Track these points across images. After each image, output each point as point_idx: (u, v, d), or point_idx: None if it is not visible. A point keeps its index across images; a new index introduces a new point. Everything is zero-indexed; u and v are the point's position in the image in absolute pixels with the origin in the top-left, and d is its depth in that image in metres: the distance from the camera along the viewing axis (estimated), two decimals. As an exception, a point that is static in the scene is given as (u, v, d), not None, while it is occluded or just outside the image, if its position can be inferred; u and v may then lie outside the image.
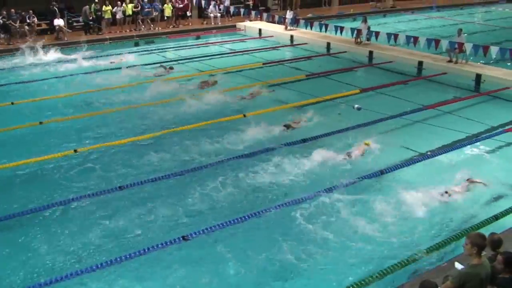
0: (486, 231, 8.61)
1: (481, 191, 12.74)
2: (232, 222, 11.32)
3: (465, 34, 24.23)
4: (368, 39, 28.41)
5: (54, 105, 18.99)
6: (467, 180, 12.87)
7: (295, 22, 30.85)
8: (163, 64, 24.77)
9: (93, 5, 30.37)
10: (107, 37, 30.04)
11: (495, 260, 7.39)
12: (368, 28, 28.03)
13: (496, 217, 11.29)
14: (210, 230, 11.00)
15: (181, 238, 10.68)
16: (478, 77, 22.42)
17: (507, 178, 13.42)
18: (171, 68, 24.10)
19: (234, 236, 11.01)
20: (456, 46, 23.46)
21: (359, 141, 15.15)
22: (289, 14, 32.28)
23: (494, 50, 22.10)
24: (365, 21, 28.53)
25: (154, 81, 21.73)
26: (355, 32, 27.83)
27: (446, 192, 12.38)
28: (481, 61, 24.31)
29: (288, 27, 31.99)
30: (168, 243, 10.53)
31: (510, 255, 7.11)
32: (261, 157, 14.56)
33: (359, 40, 28.35)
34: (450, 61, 24.12)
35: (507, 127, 16.85)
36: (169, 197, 12.53)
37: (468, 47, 22.79)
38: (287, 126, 16.75)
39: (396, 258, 9.91)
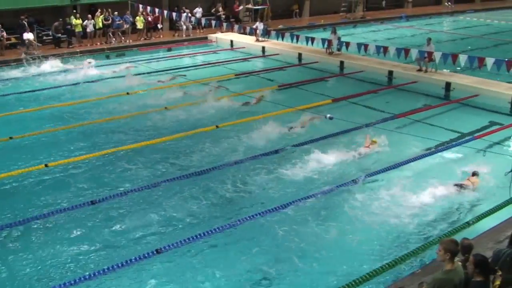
0: (458, 237, 8.71)
1: (452, 198, 12.90)
2: (206, 234, 11.28)
3: (433, 44, 24.51)
4: (339, 49, 28.63)
5: (24, 119, 18.78)
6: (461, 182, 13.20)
7: (266, 33, 30.99)
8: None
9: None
10: (78, 50, 29.77)
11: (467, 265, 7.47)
12: (339, 38, 28.24)
13: (468, 223, 11.45)
14: (184, 243, 10.93)
15: (154, 252, 10.60)
16: (448, 85, 22.76)
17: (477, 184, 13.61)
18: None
19: (210, 248, 10.97)
20: (426, 55, 23.78)
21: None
22: (259, 25, 32.48)
23: (462, 59, 22.44)
24: (334, 31, 28.72)
25: (127, 94, 21.67)
26: (326, 42, 28.04)
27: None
28: (450, 70, 24.64)
29: (260, 38, 32.10)
30: (141, 257, 10.43)
31: (480, 257, 7.18)
32: (233, 169, 14.61)
33: (330, 50, 28.57)
34: (420, 70, 24.43)
35: (476, 134, 17.11)
36: (141, 211, 12.43)
37: (437, 55, 23.10)
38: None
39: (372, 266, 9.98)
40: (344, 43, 27.18)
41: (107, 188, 13.53)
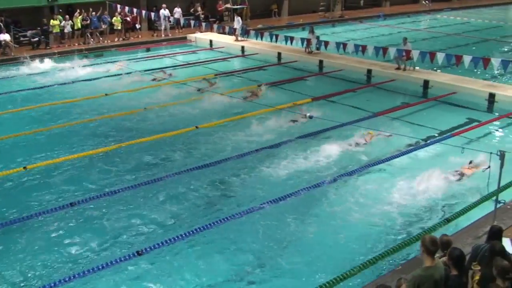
0: (438, 233, 8.83)
1: (432, 195, 13.03)
2: (187, 234, 11.26)
3: (412, 42, 24.73)
4: (318, 48, 28.72)
5: (1, 122, 18.58)
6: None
7: (245, 33, 30.99)
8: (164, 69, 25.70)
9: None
10: (56, 51, 29.49)
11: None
12: (317, 37, 28.35)
13: (447, 220, 11.58)
14: (165, 244, 10.90)
15: (135, 253, 10.55)
16: (426, 83, 22.97)
17: (455, 181, 13.77)
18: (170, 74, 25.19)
19: (192, 248, 10.95)
20: (404, 53, 23.96)
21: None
22: (237, 22, 32.50)
23: (440, 57, 22.65)
24: (312, 31, 28.81)
25: (104, 95, 21.56)
26: (305, 42, 28.11)
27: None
28: (428, 68, 24.86)
29: (239, 38, 32.06)
30: (122, 259, 10.38)
31: (455, 252, 7.28)
32: (215, 168, 14.62)
33: (309, 50, 28.65)
34: (398, 68, 24.62)
35: (454, 131, 17.29)
36: (122, 212, 12.37)
37: (415, 54, 23.29)
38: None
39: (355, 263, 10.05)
40: (323, 42, 27.27)
41: (87, 190, 13.42)
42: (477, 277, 7.39)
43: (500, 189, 11.00)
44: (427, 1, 50.96)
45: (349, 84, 23.85)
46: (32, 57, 27.41)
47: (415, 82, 23.30)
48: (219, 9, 38.31)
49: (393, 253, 10.43)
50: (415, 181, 13.41)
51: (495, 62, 20.49)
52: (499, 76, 24.44)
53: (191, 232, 11.32)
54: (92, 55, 30.09)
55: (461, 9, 51.07)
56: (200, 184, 13.74)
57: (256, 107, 19.25)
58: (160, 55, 30.36)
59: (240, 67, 27.51)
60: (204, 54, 30.89)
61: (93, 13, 31.26)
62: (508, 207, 11.61)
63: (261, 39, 29.98)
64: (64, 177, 14.18)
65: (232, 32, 31.84)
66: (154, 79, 24.07)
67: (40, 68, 26.16)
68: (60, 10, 31.48)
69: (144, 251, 10.61)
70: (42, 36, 30.28)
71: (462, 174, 13.77)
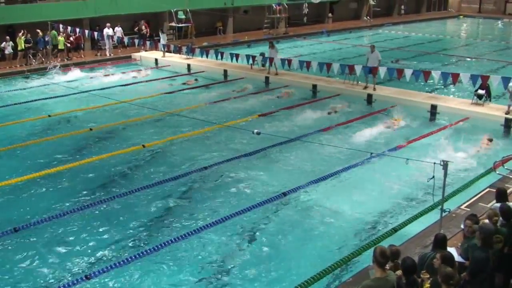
0: (385, 243, 8.96)
1: (379, 206, 13.25)
2: (137, 256, 11.06)
3: (355, 57, 25.15)
4: (263, 65, 28.89)
5: None
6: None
7: (190, 51, 30.84)
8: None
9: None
10: (-4, 73, 28.74)
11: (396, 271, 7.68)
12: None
13: (394, 229, 11.77)
14: (114, 267, 10.69)
15: (84, 278, 10.29)
16: (370, 96, 23.40)
17: (401, 192, 14.05)
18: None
19: (142, 270, 10.77)
20: (347, 69, 24.10)
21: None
22: (162, 37, 33.12)
23: (382, 71, 23.11)
24: (272, 45, 28.21)
25: (49, 117, 21.16)
26: (265, 60, 28.00)
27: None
28: (370, 82, 25.29)
29: (186, 56, 31.89)
30: (70, 283, 10.11)
31: (406, 259, 7.46)
32: (158, 188, 14.53)
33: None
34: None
35: (398, 144, 17.64)
36: (69, 234, 12.11)
37: (358, 69, 23.61)
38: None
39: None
40: (268, 59, 27.43)
41: (31, 214, 13.03)
42: (427, 285, 7.51)
43: (445, 198, 11.24)
44: (368, 17, 52.14)
45: (295, 100, 24.06)
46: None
47: (359, 96, 23.72)
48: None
49: (341, 265, 10.52)
50: (361, 193, 13.61)
51: (436, 74, 21.02)
52: (439, 88, 25.16)
53: (141, 254, 11.15)
54: (35, 76, 29.32)
55: (402, 24, 52.51)
56: (147, 204, 13.59)
57: (203, 125, 19.14)
58: (104, 75, 29.80)
59: (186, 86, 27.33)
60: (150, 73, 30.54)
61: (39, 33, 30.61)
62: (453, 215, 11.88)
63: (207, 56, 29.94)
64: (6, 201, 13.78)
65: (177, 50, 31.51)
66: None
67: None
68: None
69: (92, 275, 10.38)
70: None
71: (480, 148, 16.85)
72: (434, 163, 9.84)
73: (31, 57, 30.81)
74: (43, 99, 24.05)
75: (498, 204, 9.56)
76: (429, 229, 11.29)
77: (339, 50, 38.05)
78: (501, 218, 9.00)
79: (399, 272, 7.60)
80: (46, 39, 31.14)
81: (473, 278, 7.85)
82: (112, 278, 10.44)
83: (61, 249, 11.54)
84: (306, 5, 45.05)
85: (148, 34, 36.17)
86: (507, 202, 9.64)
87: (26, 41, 30.33)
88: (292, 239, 11.94)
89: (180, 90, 25.99)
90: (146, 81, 28.09)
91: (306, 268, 10.55)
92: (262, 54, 29.22)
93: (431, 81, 22.75)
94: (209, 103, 23.20)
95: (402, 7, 58.47)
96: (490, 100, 21.55)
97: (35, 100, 23.83)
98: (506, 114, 19.93)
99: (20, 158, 16.95)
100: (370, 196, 13.76)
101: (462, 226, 9.53)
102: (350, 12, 54.59)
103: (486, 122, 19.95)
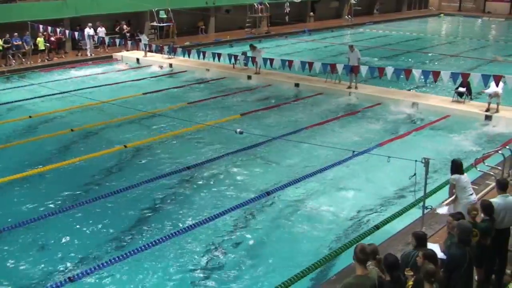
0: (367, 241, 9.02)
1: (360, 204, 13.33)
2: (120, 257, 11.02)
3: (335, 56, 25.25)
4: (245, 64, 28.90)
5: None
6: None
7: (172, 50, 30.72)
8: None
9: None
10: (-26, 74, 28.40)
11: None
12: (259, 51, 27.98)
13: (376, 227, 11.86)
14: (98, 268, 10.63)
15: (67, 280, 10.23)
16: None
17: (383, 190, 14.18)
18: None
19: (126, 272, 10.72)
20: (329, 68, 24.15)
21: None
22: (142, 38, 33.11)
23: (363, 69, 23.20)
24: (253, 48, 28.18)
25: (30, 118, 20.93)
26: (247, 59, 28.01)
27: None
28: (354, 81, 25.41)
29: (168, 56, 31.76)
30: (54, 286, 10.04)
31: (388, 256, 7.50)
32: (143, 188, 14.48)
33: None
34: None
35: (380, 141, 17.75)
36: (50, 237, 12.02)
37: (339, 68, 23.68)
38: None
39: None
40: (250, 58, 27.44)
41: (12, 216, 12.88)
42: (410, 283, 7.56)
43: (427, 195, 11.35)
44: (349, 16, 52.32)
45: (278, 99, 24.08)
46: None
47: (342, 95, 23.82)
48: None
49: (324, 263, 10.57)
50: (343, 191, 13.69)
51: (416, 73, 21.14)
52: (420, 86, 25.36)
53: (124, 256, 11.10)
54: (15, 77, 29.02)
55: (383, 23, 52.75)
56: (131, 205, 13.54)
57: (186, 125, 19.08)
58: (86, 75, 29.54)
59: (169, 85, 27.23)
60: (131, 72, 30.41)
61: (15, 34, 30.29)
62: (435, 212, 11.98)
63: (189, 56, 29.85)
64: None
65: (159, 49, 31.34)
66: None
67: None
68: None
69: (76, 277, 10.33)
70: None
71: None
72: (416, 160, 9.92)
73: (11, 57, 30.50)
74: (24, 100, 23.80)
75: (496, 199, 9.39)
76: (411, 226, 11.36)
77: (322, 49, 38.13)
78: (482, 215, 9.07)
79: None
80: (26, 39, 30.83)
81: (450, 274, 7.95)
82: (96, 280, 10.38)
83: (44, 251, 11.46)
84: (288, 4, 45.11)
85: (129, 33, 35.98)
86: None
87: (5, 42, 30.03)
88: (276, 238, 11.99)
89: (160, 90, 25.83)
90: (128, 80, 27.91)
91: (289, 268, 10.55)
92: (244, 53, 29.22)
93: (412, 80, 22.87)
94: (191, 103, 23.15)
95: (376, 6, 58.50)
96: (470, 98, 21.77)
97: (16, 101, 23.56)
98: (486, 111, 20.16)
99: (1, 159, 16.75)
100: (352, 194, 13.87)
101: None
102: (332, 11, 54.72)
103: (466, 119, 20.14)
